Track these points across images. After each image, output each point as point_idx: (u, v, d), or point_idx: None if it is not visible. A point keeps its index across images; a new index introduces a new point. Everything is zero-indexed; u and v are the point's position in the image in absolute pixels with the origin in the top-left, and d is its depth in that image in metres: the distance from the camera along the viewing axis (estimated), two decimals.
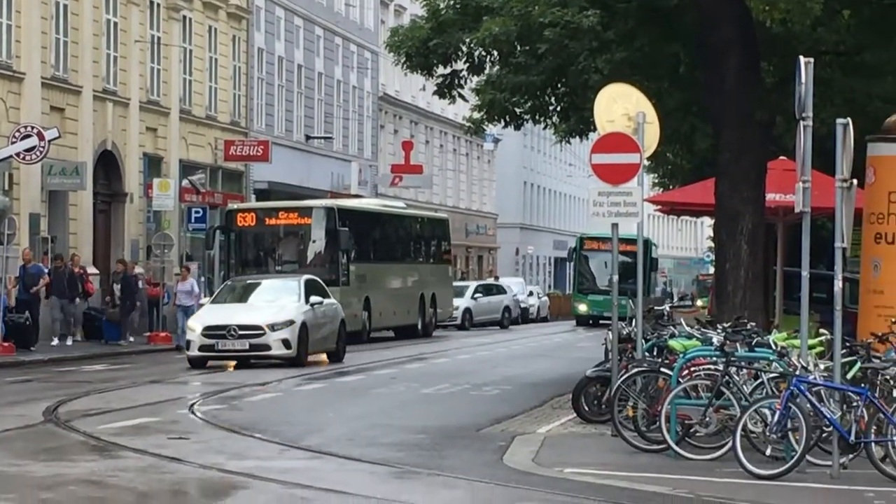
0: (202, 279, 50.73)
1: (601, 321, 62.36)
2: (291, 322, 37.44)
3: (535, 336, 62.85)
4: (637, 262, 26.56)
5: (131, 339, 44.67)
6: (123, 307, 44.43)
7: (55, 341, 41.73)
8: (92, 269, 46.30)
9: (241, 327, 37.17)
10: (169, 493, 17.18)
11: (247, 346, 37.28)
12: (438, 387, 32.39)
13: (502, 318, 73.62)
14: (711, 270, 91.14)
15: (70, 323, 43.64)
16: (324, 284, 41.99)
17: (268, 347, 37.23)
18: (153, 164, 51.82)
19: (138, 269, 46.88)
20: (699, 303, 69.02)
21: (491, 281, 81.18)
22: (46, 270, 39.29)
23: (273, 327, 37.01)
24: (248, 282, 42.88)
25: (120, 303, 44.43)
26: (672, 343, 22.36)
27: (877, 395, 18.50)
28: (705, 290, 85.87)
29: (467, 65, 37.16)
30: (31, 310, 39.85)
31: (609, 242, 54.58)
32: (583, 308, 68.38)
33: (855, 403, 18.37)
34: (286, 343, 37.11)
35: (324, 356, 40.10)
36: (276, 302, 39.11)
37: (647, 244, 67.62)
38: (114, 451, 20.26)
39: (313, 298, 39.10)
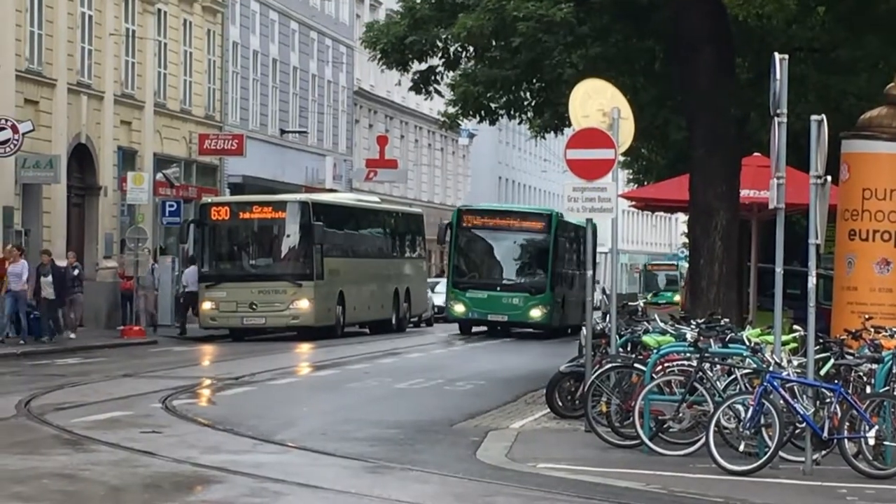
0: (175, 272, 50.73)
1: (495, 325, 51.79)
2: None
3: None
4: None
5: (72, 335, 42.89)
6: (51, 301, 42.14)
7: None
8: (62, 262, 46.24)
9: None
10: (142, 486, 17.13)
11: None
12: (412, 381, 32.45)
13: None
14: (659, 261, 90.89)
15: None
16: None
17: None
18: (127, 158, 51.81)
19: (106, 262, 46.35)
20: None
21: None
22: None
23: None
24: None
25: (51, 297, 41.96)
26: (646, 339, 22.43)
27: (850, 391, 18.57)
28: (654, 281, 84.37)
29: (443, 60, 37.22)
30: None
31: (498, 217, 51.84)
32: (459, 308, 50.79)
33: (828, 400, 18.44)
34: None
35: None
36: None
37: (594, 229, 60.04)
38: (87, 444, 20.26)
39: None
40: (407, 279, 59.97)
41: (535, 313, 49.04)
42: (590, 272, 25.94)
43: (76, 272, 44.01)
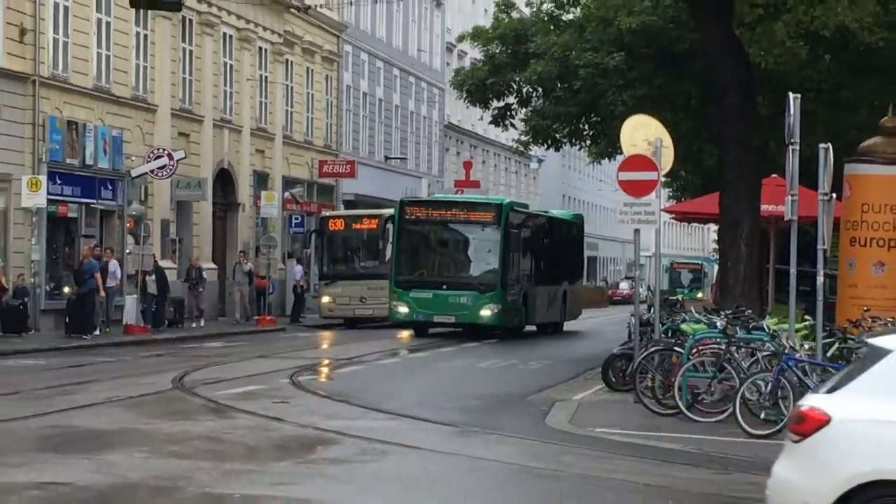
0: (304, 272, 50.76)
1: (442, 326, 41.07)
2: None
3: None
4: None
5: (201, 323, 41.42)
6: (156, 296, 40.15)
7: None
8: (209, 265, 46.43)
9: None
10: (273, 446, 17.24)
11: None
12: (491, 362, 32.33)
13: None
14: (682, 260, 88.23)
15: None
16: None
17: None
18: (261, 180, 51.93)
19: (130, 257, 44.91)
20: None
21: None
22: (96, 268, 37.17)
23: None
24: None
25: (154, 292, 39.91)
26: (683, 326, 22.45)
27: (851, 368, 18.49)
28: (677, 278, 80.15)
29: (517, 99, 37.33)
30: (86, 298, 36.48)
31: (441, 209, 42.07)
32: (403, 310, 39.66)
33: (832, 376, 18.37)
34: None
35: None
36: None
37: (579, 223, 52.92)
38: (229, 412, 20.38)
39: None
40: None
41: (486, 313, 39.17)
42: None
43: (203, 273, 44.19)
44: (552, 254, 46.38)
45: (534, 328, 44.01)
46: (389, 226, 41.62)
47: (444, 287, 39.13)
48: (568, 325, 48.30)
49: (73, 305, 36.16)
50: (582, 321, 56.35)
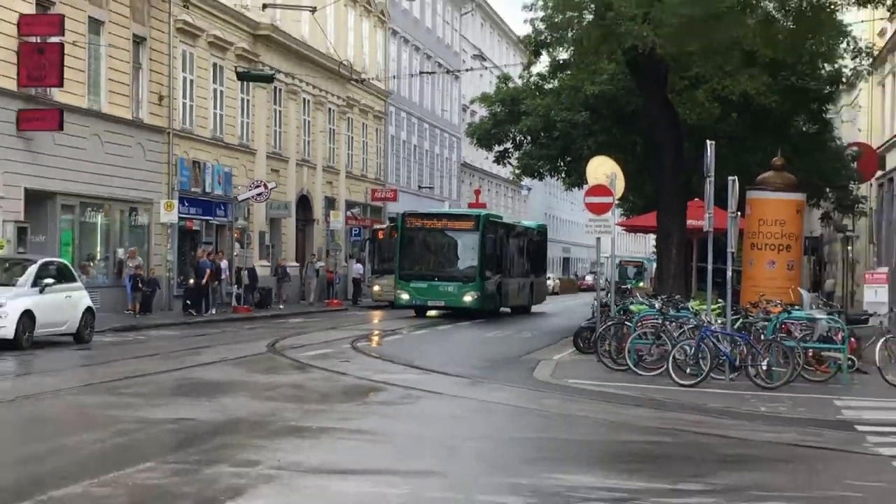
0: (361, 268, 50.97)
1: (435, 309, 39.20)
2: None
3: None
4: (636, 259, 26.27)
5: (212, 311, 36.75)
6: (248, 286, 39.36)
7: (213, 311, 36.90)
8: (292, 264, 46.58)
9: None
10: (339, 392, 17.30)
11: None
12: (495, 333, 32.39)
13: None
14: (628, 258, 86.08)
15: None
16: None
17: None
18: (329, 202, 51.97)
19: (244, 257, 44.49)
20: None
21: None
22: (211, 266, 36.77)
23: None
24: None
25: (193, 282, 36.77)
26: (632, 307, 22.42)
27: (751, 338, 18.50)
28: (625, 273, 77.23)
29: (512, 144, 37.54)
30: (197, 287, 36.18)
31: (434, 220, 40.36)
32: (405, 296, 38.78)
33: (738, 343, 18.40)
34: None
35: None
36: None
37: (543, 230, 51.70)
38: (307, 368, 20.46)
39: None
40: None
41: (467, 299, 38.03)
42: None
43: (286, 269, 44.07)
44: (521, 253, 45.38)
45: (508, 310, 43.00)
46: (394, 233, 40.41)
47: (436, 279, 38.23)
48: (536, 308, 47.58)
49: (190, 292, 36.30)
50: (557, 303, 56.34)
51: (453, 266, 38.48)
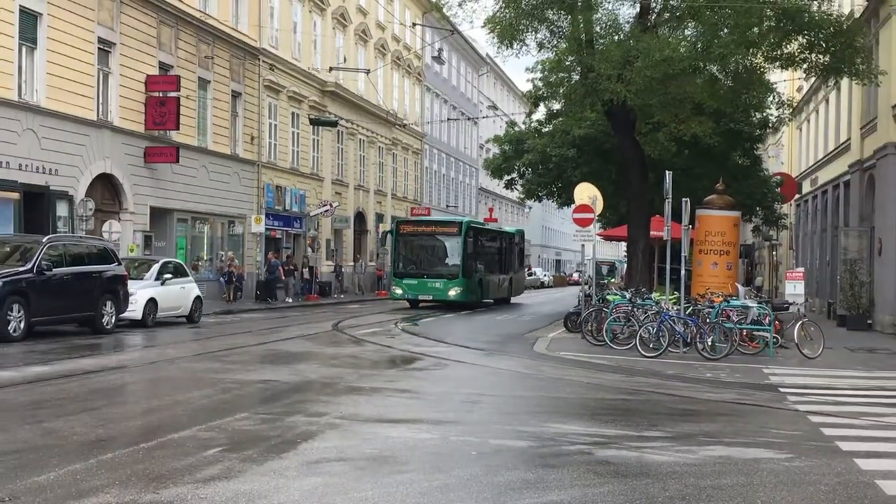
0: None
1: (424, 302, 35.96)
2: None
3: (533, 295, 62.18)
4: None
5: (289, 299, 36.55)
6: (267, 280, 36.37)
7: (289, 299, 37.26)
8: (350, 263, 46.69)
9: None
10: (387, 360, 17.22)
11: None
12: (504, 316, 32.39)
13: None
14: (604, 260, 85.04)
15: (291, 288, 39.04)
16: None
17: None
18: (379, 217, 52.11)
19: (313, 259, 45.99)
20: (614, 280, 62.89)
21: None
22: (281, 264, 36.54)
23: None
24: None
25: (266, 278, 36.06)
26: (608, 297, 22.36)
27: (699, 321, 18.44)
28: (601, 271, 74.91)
29: (518, 174, 37.43)
30: (272, 282, 35.63)
31: (423, 226, 37.14)
32: (398, 291, 35.33)
33: (689, 325, 18.34)
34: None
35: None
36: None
37: (521, 234, 47.39)
38: (363, 343, 20.48)
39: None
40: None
41: (452, 293, 34.97)
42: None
43: (342, 268, 44.18)
44: (500, 253, 42.16)
45: (491, 301, 40.29)
46: (389, 237, 37.19)
47: (425, 276, 35.34)
48: (515, 300, 45.25)
49: (262, 285, 36.03)
50: (550, 294, 55.98)
51: (440, 265, 35.63)
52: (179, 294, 24.48)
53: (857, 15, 27.73)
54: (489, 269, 39.78)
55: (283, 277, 36.72)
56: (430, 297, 35.47)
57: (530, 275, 70.73)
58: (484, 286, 38.47)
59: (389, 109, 50.99)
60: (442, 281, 35.22)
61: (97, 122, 27.27)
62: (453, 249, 35.99)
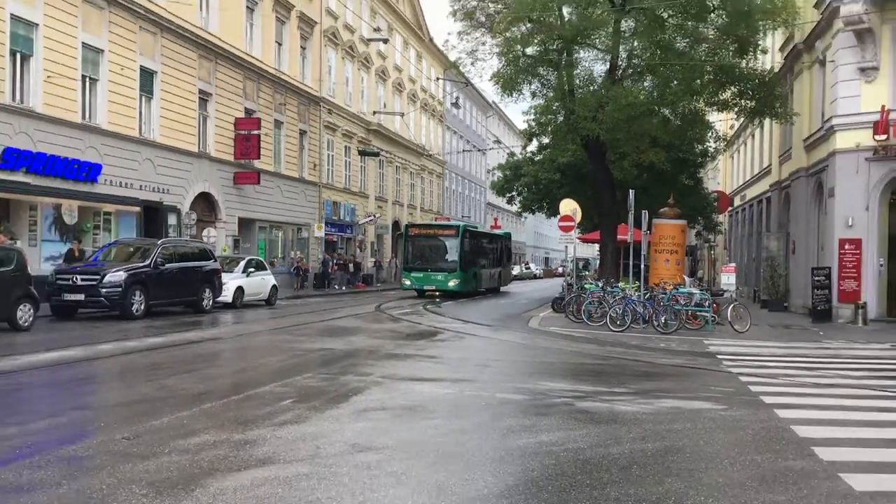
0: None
1: (427, 292, 33.22)
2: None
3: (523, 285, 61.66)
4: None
5: (341, 287, 35.46)
6: (323, 273, 35.63)
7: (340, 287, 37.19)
8: (387, 259, 46.66)
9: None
10: (417, 334, 16.96)
11: None
12: (506, 301, 32.19)
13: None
14: (581, 258, 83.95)
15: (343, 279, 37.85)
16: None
17: None
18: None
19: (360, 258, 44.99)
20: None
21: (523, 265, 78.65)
22: (332, 261, 35.63)
23: None
24: None
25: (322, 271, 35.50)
26: (586, 285, 22.18)
27: (655, 304, 18.31)
28: (579, 266, 73.04)
29: (517, 193, 37.16)
30: (325, 275, 35.23)
31: (427, 229, 34.55)
32: (407, 283, 32.71)
33: (647, 307, 18.20)
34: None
35: None
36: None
37: (508, 236, 43.76)
38: (399, 320, 20.38)
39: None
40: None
41: (451, 284, 32.75)
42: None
43: (381, 263, 43.70)
44: (492, 251, 39.93)
45: (483, 290, 37.99)
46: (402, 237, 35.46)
47: (429, 270, 32.99)
48: (504, 289, 43.23)
49: (317, 276, 35.65)
50: (539, 284, 55.50)
51: (441, 261, 33.39)
52: (260, 283, 24.60)
53: (776, 69, 27.53)
54: (482, 264, 38.19)
55: (332, 271, 36.45)
56: (434, 288, 33.84)
57: (526, 268, 70.44)
58: (478, 278, 37.02)
59: (419, 143, 50.96)
60: (443, 274, 33.47)
61: (198, 153, 27.49)
62: (452, 248, 34.34)
